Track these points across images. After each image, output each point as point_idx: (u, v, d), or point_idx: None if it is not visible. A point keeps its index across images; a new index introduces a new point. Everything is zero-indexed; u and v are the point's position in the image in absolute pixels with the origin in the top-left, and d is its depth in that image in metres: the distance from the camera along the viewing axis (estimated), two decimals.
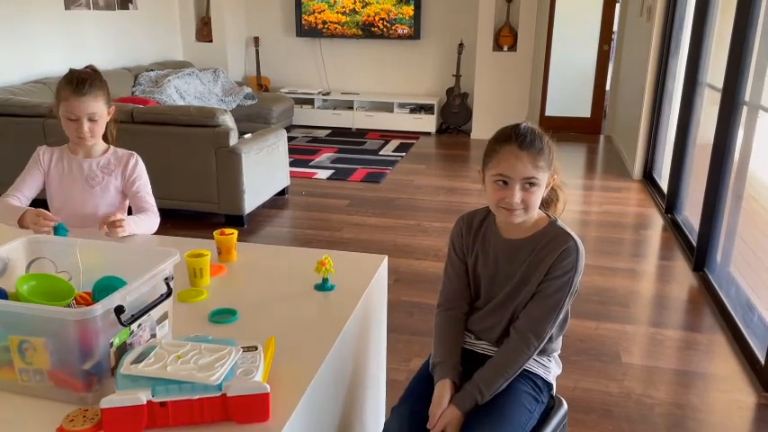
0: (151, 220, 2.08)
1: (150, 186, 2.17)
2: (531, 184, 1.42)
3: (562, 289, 1.46)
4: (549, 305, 1.47)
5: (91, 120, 1.99)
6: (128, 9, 6.37)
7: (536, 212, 1.51)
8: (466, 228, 1.60)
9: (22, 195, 2.06)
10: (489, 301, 1.57)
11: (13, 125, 4.31)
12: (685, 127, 4.50)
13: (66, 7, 5.55)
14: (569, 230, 1.50)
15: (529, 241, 1.50)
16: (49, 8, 5.37)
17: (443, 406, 1.43)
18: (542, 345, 1.49)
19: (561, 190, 1.58)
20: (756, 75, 3.21)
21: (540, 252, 1.48)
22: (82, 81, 1.97)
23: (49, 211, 2.08)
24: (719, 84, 3.50)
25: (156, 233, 2.11)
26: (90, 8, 5.85)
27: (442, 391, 1.46)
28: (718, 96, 3.53)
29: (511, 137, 1.42)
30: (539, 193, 1.45)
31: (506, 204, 1.43)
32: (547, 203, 1.57)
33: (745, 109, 3.31)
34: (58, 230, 1.77)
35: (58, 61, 5.31)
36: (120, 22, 6.27)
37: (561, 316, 1.49)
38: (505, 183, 1.42)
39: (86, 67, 2.04)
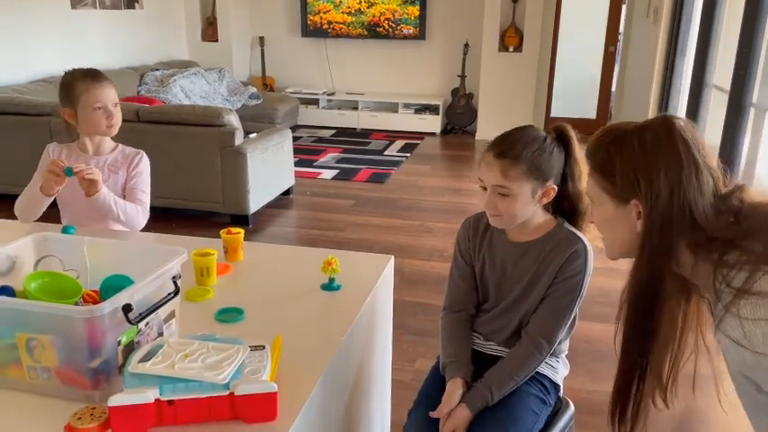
0: (136, 210, 2.04)
1: (149, 186, 2.14)
2: (503, 194, 1.43)
3: (572, 292, 1.46)
4: (559, 309, 1.47)
5: (114, 105, 2.03)
6: (134, 8, 6.39)
7: (538, 216, 1.49)
8: (472, 231, 1.60)
9: None
10: (497, 304, 1.56)
11: (20, 124, 4.33)
12: None
13: (73, 6, 5.57)
14: (578, 233, 1.49)
15: (536, 244, 1.50)
16: (55, 7, 5.39)
17: (453, 404, 1.43)
18: (553, 348, 1.48)
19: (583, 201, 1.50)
20: (764, 76, 3.20)
21: (548, 255, 1.47)
22: (94, 72, 2.03)
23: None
24: (726, 85, 3.49)
25: (160, 232, 2.10)
26: (96, 7, 5.87)
27: (454, 388, 1.46)
28: (724, 98, 3.52)
29: (492, 144, 1.45)
30: (515, 203, 1.43)
31: (485, 208, 1.48)
32: (577, 215, 1.51)
33: (752, 111, 3.30)
34: (66, 229, 1.78)
35: (64, 60, 5.30)
36: (125, 21, 6.28)
37: (571, 319, 1.49)
38: (485, 188, 1.46)
39: (72, 69, 2.07)
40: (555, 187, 1.45)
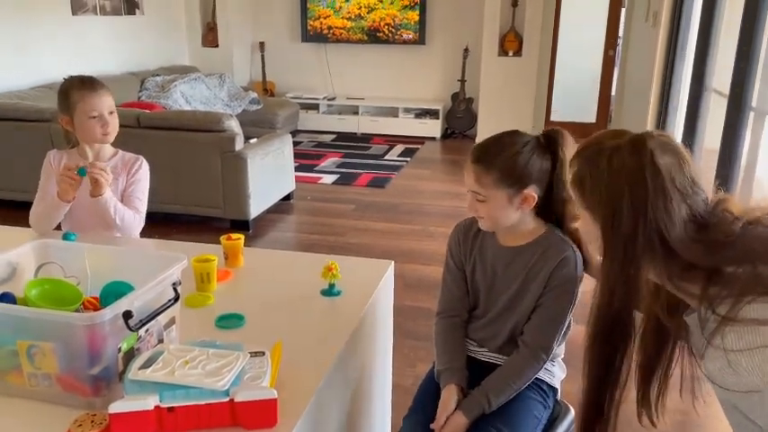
0: (133, 217, 2.05)
1: (146, 194, 2.14)
2: (479, 199, 1.44)
3: (565, 300, 1.46)
4: (553, 317, 1.47)
5: (110, 113, 2.03)
6: (134, 14, 6.40)
7: (528, 222, 1.49)
8: (463, 235, 1.60)
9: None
10: (488, 310, 1.57)
11: (21, 129, 4.34)
12: (692, 132, 4.49)
13: (74, 13, 5.59)
14: (567, 239, 1.49)
15: (526, 249, 1.50)
16: (56, 14, 5.41)
17: (450, 410, 1.43)
18: (550, 356, 1.49)
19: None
20: (763, 80, 3.20)
21: (538, 261, 1.47)
22: (91, 80, 2.03)
23: None
24: (726, 89, 3.50)
25: (160, 237, 2.11)
26: (97, 13, 5.89)
27: (449, 395, 1.46)
28: (724, 102, 3.53)
29: (472, 149, 1.47)
30: (491, 208, 1.44)
31: (468, 211, 1.50)
32: (565, 220, 1.50)
33: (751, 115, 3.30)
34: (66, 236, 1.78)
35: (65, 66, 5.32)
36: (126, 27, 6.30)
37: (565, 326, 1.49)
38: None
39: (70, 77, 2.07)
40: (534, 195, 1.43)
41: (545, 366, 1.54)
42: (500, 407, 1.45)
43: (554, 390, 1.57)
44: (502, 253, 1.53)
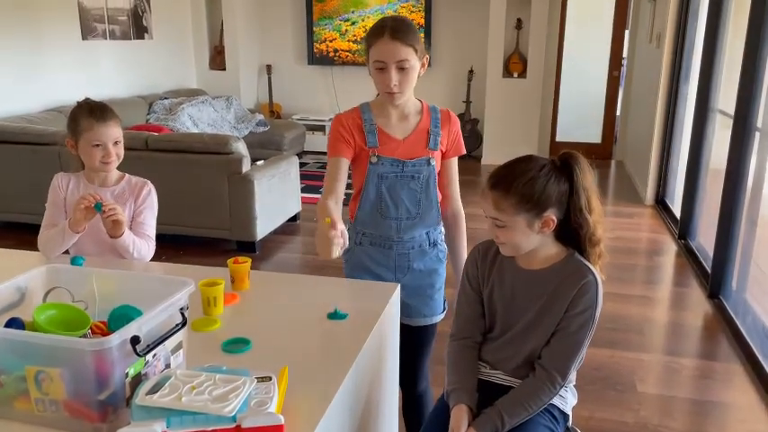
0: (147, 247, 2.07)
1: (155, 219, 2.15)
2: (498, 225, 1.44)
3: (585, 325, 1.45)
4: (572, 342, 1.46)
5: (115, 143, 2.04)
6: (143, 39, 6.50)
7: (548, 246, 1.49)
8: (481, 257, 1.59)
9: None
10: (505, 331, 1.55)
11: (30, 153, 4.38)
12: (697, 152, 4.49)
13: (84, 37, 5.68)
14: (588, 264, 1.48)
15: (546, 273, 1.49)
16: (66, 38, 5.49)
17: (462, 429, 1.42)
18: (567, 381, 1.47)
19: (591, 227, 1.47)
20: None
21: (558, 286, 1.46)
22: (102, 109, 2.03)
23: None
24: (731, 110, 3.50)
25: (168, 259, 2.11)
26: (106, 38, 5.97)
27: (460, 415, 1.45)
28: (730, 122, 3.53)
29: (489, 175, 1.47)
30: (512, 233, 1.44)
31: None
32: (579, 243, 1.50)
33: (757, 135, 3.30)
34: (75, 260, 1.79)
35: (75, 90, 5.39)
36: (135, 51, 6.39)
37: (583, 351, 1.48)
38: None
39: (84, 99, 2.09)
40: (554, 218, 1.42)
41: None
42: (510, 430, 1.43)
43: (565, 416, 1.55)
44: (522, 275, 1.52)
